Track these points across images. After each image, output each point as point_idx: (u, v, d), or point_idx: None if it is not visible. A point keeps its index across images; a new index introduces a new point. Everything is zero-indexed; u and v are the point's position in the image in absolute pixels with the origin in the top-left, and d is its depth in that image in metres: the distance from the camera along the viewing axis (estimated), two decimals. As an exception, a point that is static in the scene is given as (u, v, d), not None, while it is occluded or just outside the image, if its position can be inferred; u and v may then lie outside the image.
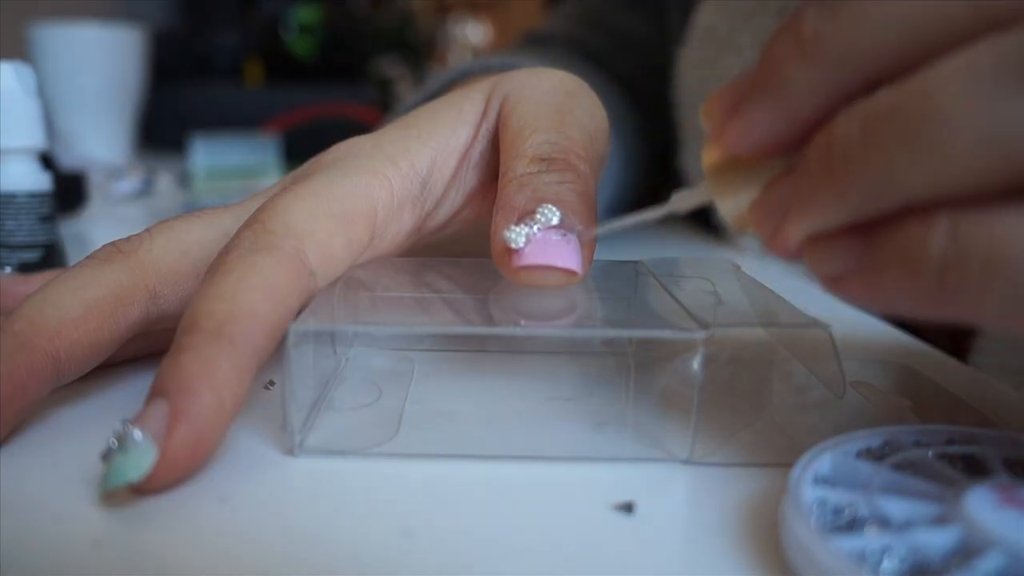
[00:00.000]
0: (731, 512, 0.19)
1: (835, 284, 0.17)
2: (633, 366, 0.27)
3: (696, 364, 0.21)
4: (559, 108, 0.28)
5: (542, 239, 0.23)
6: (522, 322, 0.23)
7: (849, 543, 0.15)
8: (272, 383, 0.25)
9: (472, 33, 2.08)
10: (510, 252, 0.24)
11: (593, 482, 0.20)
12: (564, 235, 0.24)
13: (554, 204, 0.24)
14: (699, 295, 0.26)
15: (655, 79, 0.58)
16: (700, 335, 0.20)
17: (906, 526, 0.16)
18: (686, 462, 0.21)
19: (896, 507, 0.16)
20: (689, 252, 0.50)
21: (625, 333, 0.24)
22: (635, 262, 0.29)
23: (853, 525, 0.16)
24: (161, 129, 1.05)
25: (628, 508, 0.19)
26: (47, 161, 0.39)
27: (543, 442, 0.22)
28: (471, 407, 0.24)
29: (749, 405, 0.24)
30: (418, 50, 1.52)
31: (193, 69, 1.18)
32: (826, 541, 0.15)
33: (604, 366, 0.28)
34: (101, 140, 0.93)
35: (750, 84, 0.17)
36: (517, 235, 0.24)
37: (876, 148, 0.15)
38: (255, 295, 0.21)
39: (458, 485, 0.20)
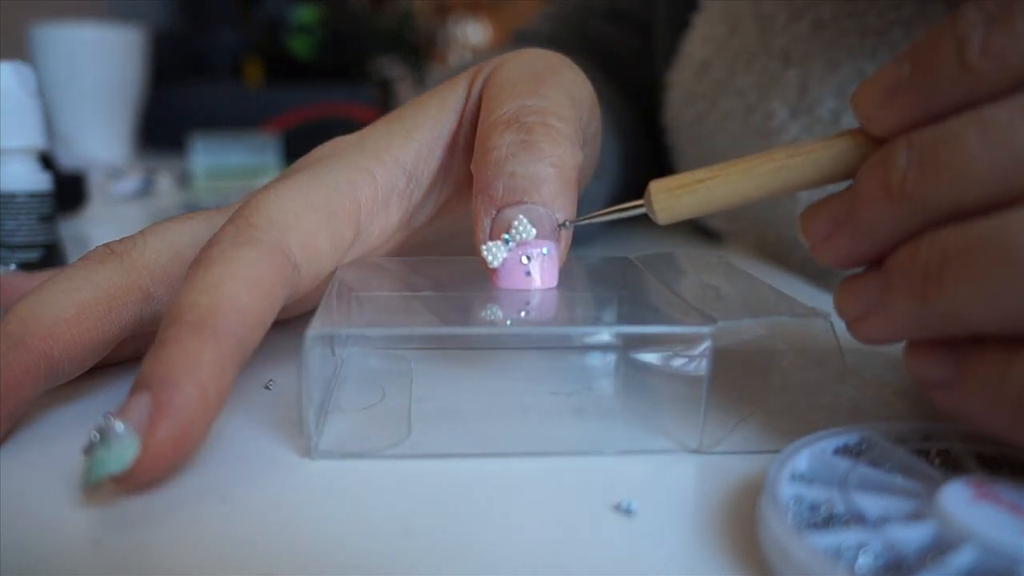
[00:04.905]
0: (735, 500, 0.19)
1: (928, 390, 0.18)
2: (626, 360, 0.27)
3: (704, 357, 0.21)
4: (537, 74, 0.28)
5: (517, 262, 0.24)
6: (525, 320, 0.23)
7: (825, 540, 0.15)
8: (272, 383, 0.26)
9: (472, 33, 2.08)
10: (489, 267, 0.25)
11: (598, 475, 0.20)
12: (540, 251, 0.24)
13: (532, 195, 0.24)
14: (698, 289, 0.26)
15: (633, 94, 0.58)
16: (707, 329, 0.21)
17: (881, 522, 0.16)
18: (696, 451, 0.21)
19: (872, 503, 0.16)
20: (672, 248, 0.50)
21: (634, 329, 0.24)
22: (624, 258, 0.30)
23: (829, 522, 0.16)
24: (161, 129, 1.05)
25: (628, 509, 0.19)
26: (47, 161, 0.39)
27: (554, 437, 0.23)
28: (478, 405, 0.25)
29: (750, 395, 0.25)
30: (418, 50, 1.53)
31: (193, 69, 1.18)
32: (802, 538, 0.15)
33: (601, 360, 0.28)
34: (101, 140, 0.93)
35: (841, 213, 0.19)
36: (494, 256, 0.24)
37: (951, 279, 0.16)
38: (237, 287, 0.21)
39: (461, 483, 0.20)
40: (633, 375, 0.26)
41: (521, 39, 0.63)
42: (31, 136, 0.37)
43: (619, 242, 0.49)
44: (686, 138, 0.50)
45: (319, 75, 1.19)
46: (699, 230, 0.54)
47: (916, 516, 0.16)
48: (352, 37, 1.25)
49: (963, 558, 0.15)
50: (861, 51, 0.39)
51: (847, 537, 0.15)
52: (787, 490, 0.17)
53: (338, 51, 1.23)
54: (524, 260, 0.24)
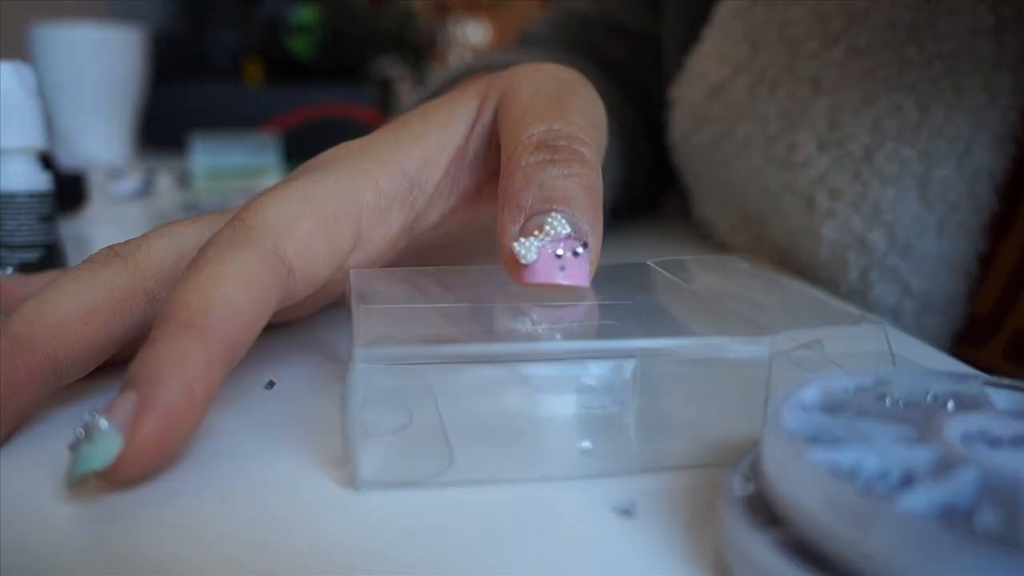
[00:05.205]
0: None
1: None
2: (640, 370, 0.26)
3: (767, 364, 0.20)
4: (558, 96, 0.28)
5: (550, 256, 0.24)
6: (576, 332, 0.22)
7: (825, 456, 0.15)
8: (272, 384, 0.26)
9: (472, 33, 2.08)
10: (519, 264, 0.24)
11: (598, 475, 0.20)
12: (573, 251, 0.24)
13: (561, 204, 0.24)
14: (731, 298, 0.25)
15: (632, 94, 0.57)
16: (767, 339, 0.20)
17: (882, 444, 0.16)
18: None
19: (873, 428, 0.17)
20: (678, 254, 0.49)
21: (691, 342, 0.22)
22: (643, 264, 0.29)
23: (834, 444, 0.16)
24: (161, 129, 1.05)
25: (628, 511, 0.19)
26: (47, 161, 0.39)
27: (604, 457, 0.21)
28: (514, 423, 0.23)
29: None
30: (418, 50, 1.53)
31: (193, 69, 1.18)
32: (802, 455, 0.15)
33: (627, 371, 0.27)
34: (101, 140, 0.93)
35: None
36: (527, 250, 0.23)
37: None
38: (229, 287, 0.21)
39: (459, 483, 0.20)
40: (667, 386, 0.25)
41: (526, 41, 0.63)
42: (31, 136, 0.37)
43: (620, 247, 0.49)
44: (701, 162, 0.48)
45: (319, 75, 1.19)
46: (703, 237, 0.53)
47: (918, 440, 0.16)
48: (352, 37, 1.25)
49: (966, 475, 0.15)
50: (900, 84, 0.36)
51: (847, 455, 0.15)
52: (792, 418, 0.17)
53: (338, 51, 1.22)
54: (559, 252, 0.24)
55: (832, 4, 0.39)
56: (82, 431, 0.19)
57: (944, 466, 0.15)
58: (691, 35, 0.49)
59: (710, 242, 0.51)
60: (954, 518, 0.14)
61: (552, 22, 0.63)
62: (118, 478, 0.19)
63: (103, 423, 0.18)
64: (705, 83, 0.46)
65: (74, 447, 0.19)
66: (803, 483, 0.15)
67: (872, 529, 0.14)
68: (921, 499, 0.14)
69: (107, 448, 0.18)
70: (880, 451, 0.16)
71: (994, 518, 0.14)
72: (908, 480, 0.15)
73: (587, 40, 0.60)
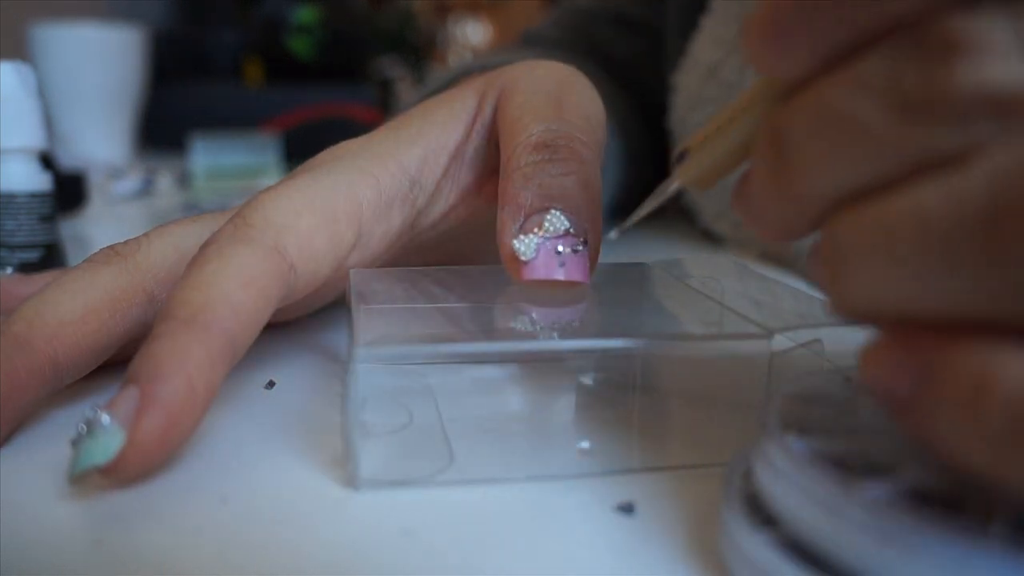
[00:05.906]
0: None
1: (891, 411, 0.14)
2: (640, 369, 0.26)
3: (767, 364, 0.20)
4: (557, 95, 0.28)
5: (550, 252, 0.24)
6: (576, 331, 0.22)
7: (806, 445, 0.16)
8: (272, 384, 0.26)
9: (472, 33, 2.08)
10: (519, 261, 0.24)
11: (598, 474, 0.20)
12: (573, 248, 0.24)
13: (560, 202, 0.24)
14: (731, 298, 0.25)
15: (636, 93, 0.57)
16: (767, 339, 0.20)
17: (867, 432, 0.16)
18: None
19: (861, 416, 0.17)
20: (676, 253, 0.49)
21: (691, 342, 0.22)
22: (643, 264, 0.29)
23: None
24: (161, 129, 1.05)
25: (628, 509, 0.19)
26: (47, 161, 0.39)
27: (603, 457, 0.21)
28: (514, 423, 0.23)
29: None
30: (418, 50, 1.53)
31: (193, 69, 1.18)
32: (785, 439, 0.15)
33: (615, 370, 0.27)
34: (101, 140, 0.93)
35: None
36: (527, 246, 0.24)
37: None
38: (230, 284, 0.21)
39: (458, 483, 0.20)
40: (667, 386, 0.25)
41: (528, 40, 0.63)
42: (31, 136, 0.37)
43: (620, 247, 0.48)
44: None
45: (319, 75, 1.19)
46: (703, 234, 0.53)
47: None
48: (352, 37, 1.25)
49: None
50: None
51: (842, 454, 0.16)
52: (790, 418, 0.17)
53: (338, 51, 1.23)
54: (559, 249, 0.24)
55: None
56: (84, 426, 0.19)
57: (932, 463, 0.15)
58: (690, 24, 0.49)
59: (709, 240, 0.52)
60: (939, 511, 0.14)
61: (556, 21, 0.63)
62: (119, 474, 0.19)
63: (105, 418, 0.18)
64: (702, 67, 0.47)
65: (76, 442, 0.19)
66: (795, 482, 0.15)
67: (861, 525, 0.14)
68: (903, 492, 0.14)
69: (109, 443, 0.18)
70: (877, 450, 0.16)
71: (980, 511, 0.14)
72: (899, 476, 0.15)
73: (591, 38, 0.60)
